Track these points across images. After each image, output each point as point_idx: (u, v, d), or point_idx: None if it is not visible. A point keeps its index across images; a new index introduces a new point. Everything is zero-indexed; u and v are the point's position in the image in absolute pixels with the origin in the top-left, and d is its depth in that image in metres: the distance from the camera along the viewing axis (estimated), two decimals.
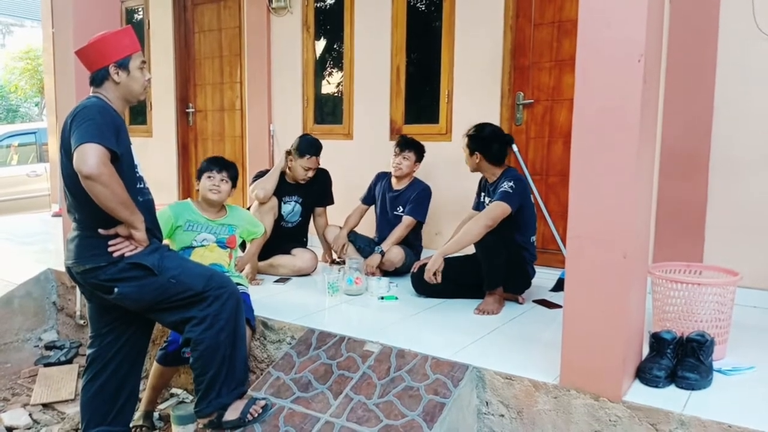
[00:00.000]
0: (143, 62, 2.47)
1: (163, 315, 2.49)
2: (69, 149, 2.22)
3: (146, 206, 2.47)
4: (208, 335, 2.43)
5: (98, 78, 2.40)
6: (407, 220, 4.05)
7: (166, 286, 2.39)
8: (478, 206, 3.66)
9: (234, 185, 3.29)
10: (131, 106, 2.54)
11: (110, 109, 2.34)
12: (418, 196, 4.09)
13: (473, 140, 3.48)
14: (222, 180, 3.21)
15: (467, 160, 3.52)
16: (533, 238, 3.50)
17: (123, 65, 2.39)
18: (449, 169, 4.33)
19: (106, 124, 2.23)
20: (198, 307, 2.43)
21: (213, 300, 2.44)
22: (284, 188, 4.13)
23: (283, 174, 4.13)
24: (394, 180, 4.20)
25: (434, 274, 3.32)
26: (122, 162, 2.31)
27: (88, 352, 2.61)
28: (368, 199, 4.33)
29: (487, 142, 3.47)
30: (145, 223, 2.37)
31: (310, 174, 4.09)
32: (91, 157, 2.12)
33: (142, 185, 2.47)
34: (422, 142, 4.23)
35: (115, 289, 2.34)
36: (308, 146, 4.11)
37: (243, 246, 3.75)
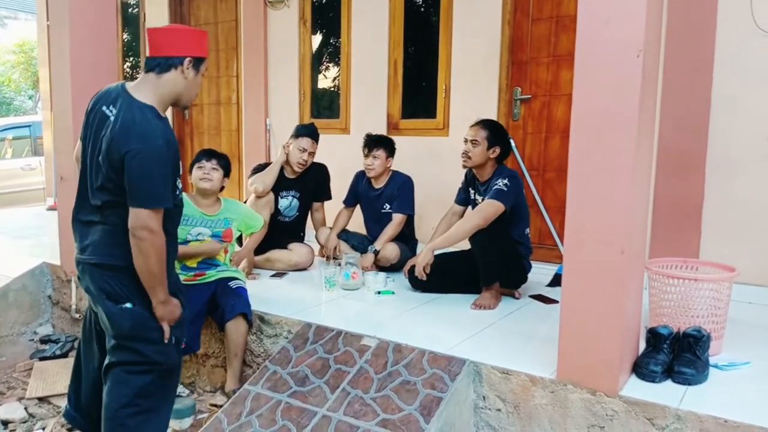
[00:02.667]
0: (206, 69, 2.30)
1: (116, 354, 2.23)
2: (108, 153, 2.06)
3: (178, 209, 2.30)
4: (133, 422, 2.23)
5: (166, 64, 2.15)
6: (398, 218, 4.03)
7: (148, 333, 2.21)
8: (466, 201, 3.65)
9: (226, 174, 3.28)
10: (177, 108, 2.35)
11: (168, 132, 2.12)
12: (402, 191, 4.07)
13: (496, 134, 3.40)
14: (213, 168, 3.20)
15: (478, 152, 3.37)
16: (527, 230, 3.50)
17: (197, 64, 2.20)
18: (446, 164, 4.32)
19: (169, 169, 2.08)
20: (142, 388, 2.22)
21: (152, 393, 2.25)
22: (282, 183, 4.12)
23: (281, 169, 4.11)
24: (372, 179, 4.17)
25: (423, 268, 3.32)
26: (176, 205, 2.22)
27: None
28: (351, 201, 4.29)
29: (507, 139, 3.47)
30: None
31: (305, 157, 4.04)
32: (149, 224, 2.04)
33: (178, 192, 2.25)
34: (419, 137, 4.22)
35: (126, 304, 2.17)
36: (302, 127, 4.14)
37: (240, 240, 3.75)
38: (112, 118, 2.10)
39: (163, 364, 2.26)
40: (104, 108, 2.14)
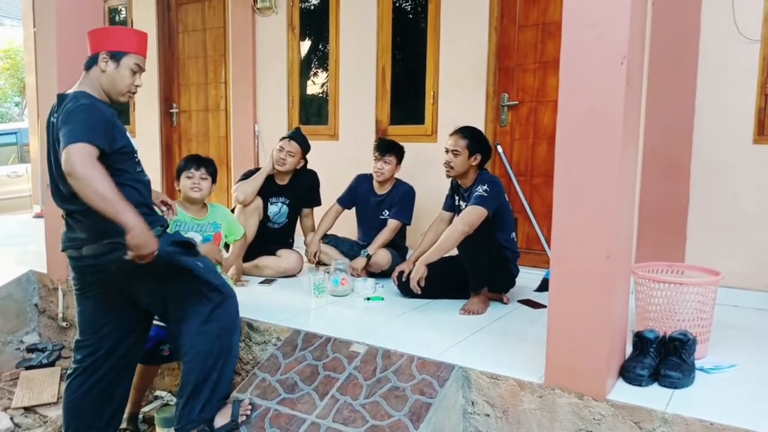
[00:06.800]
0: (138, 66, 2.42)
1: (171, 306, 2.45)
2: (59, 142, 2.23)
3: (148, 186, 2.50)
4: (203, 340, 2.41)
5: (89, 62, 2.40)
6: (393, 224, 4.04)
7: (192, 266, 2.40)
8: (452, 208, 3.67)
9: (214, 181, 3.28)
10: (113, 104, 2.45)
11: (98, 104, 2.30)
12: (403, 199, 4.08)
13: (476, 141, 3.41)
14: (201, 178, 3.20)
15: (460, 162, 3.39)
16: (513, 235, 3.52)
17: (115, 57, 2.37)
18: (434, 170, 4.33)
19: (95, 122, 2.20)
20: (205, 306, 2.42)
21: (219, 304, 2.44)
22: (271, 189, 4.11)
23: (272, 175, 4.10)
24: (376, 184, 4.16)
25: (418, 282, 3.34)
26: (123, 153, 2.32)
27: (78, 356, 2.54)
28: (347, 202, 4.25)
29: (487, 143, 3.49)
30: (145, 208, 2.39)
31: (282, 155, 4.02)
32: (76, 157, 2.09)
33: (140, 169, 2.46)
34: (407, 143, 4.23)
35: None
36: (288, 132, 4.13)
37: (227, 247, 3.73)
38: (52, 120, 2.34)
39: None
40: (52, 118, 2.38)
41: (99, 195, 2.09)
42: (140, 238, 2.13)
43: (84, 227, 2.33)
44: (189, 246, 2.45)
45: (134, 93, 2.46)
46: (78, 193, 2.12)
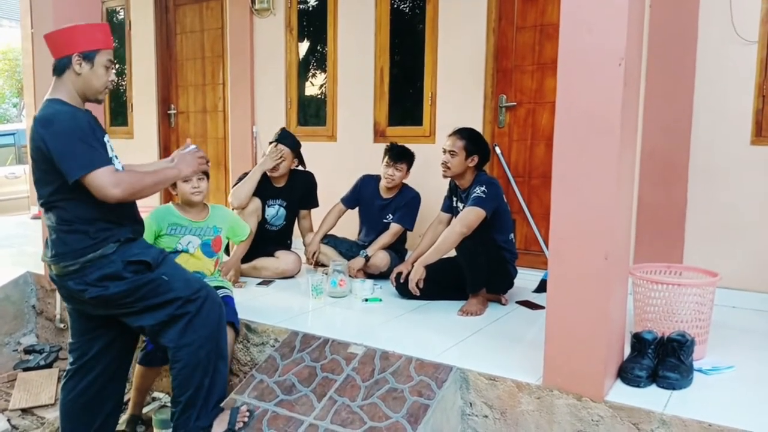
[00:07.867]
0: (111, 61, 2.36)
1: (140, 317, 2.37)
2: (43, 157, 2.22)
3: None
4: (187, 352, 2.37)
5: (60, 66, 2.31)
6: (395, 228, 4.03)
7: (157, 282, 2.33)
8: (450, 209, 3.67)
9: (208, 179, 3.25)
10: (92, 102, 2.41)
11: (75, 112, 2.27)
12: (408, 205, 4.06)
13: (473, 142, 3.42)
14: (199, 180, 3.16)
15: (457, 163, 3.40)
16: (511, 236, 3.52)
17: (88, 57, 2.30)
18: (432, 171, 4.32)
19: (87, 137, 2.20)
20: (179, 319, 2.36)
21: (195, 313, 2.38)
22: (269, 191, 4.10)
23: (269, 178, 4.10)
24: (383, 188, 4.14)
25: (417, 283, 3.34)
26: None
27: (71, 358, 2.54)
28: (351, 202, 4.23)
29: (485, 145, 3.49)
30: (126, 217, 2.38)
31: (277, 161, 4.02)
32: (106, 188, 2.17)
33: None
34: (405, 144, 4.22)
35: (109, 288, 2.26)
36: (275, 135, 4.12)
37: (227, 249, 3.72)
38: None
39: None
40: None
41: (149, 190, 2.33)
42: (181, 170, 2.50)
43: (51, 241, 2.31)
44: (147, 263, 2.33)
45: (110, 89, 2.43)
46: (134, 199, 2.32)
